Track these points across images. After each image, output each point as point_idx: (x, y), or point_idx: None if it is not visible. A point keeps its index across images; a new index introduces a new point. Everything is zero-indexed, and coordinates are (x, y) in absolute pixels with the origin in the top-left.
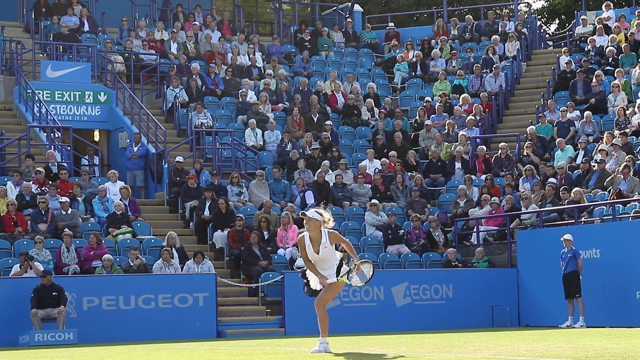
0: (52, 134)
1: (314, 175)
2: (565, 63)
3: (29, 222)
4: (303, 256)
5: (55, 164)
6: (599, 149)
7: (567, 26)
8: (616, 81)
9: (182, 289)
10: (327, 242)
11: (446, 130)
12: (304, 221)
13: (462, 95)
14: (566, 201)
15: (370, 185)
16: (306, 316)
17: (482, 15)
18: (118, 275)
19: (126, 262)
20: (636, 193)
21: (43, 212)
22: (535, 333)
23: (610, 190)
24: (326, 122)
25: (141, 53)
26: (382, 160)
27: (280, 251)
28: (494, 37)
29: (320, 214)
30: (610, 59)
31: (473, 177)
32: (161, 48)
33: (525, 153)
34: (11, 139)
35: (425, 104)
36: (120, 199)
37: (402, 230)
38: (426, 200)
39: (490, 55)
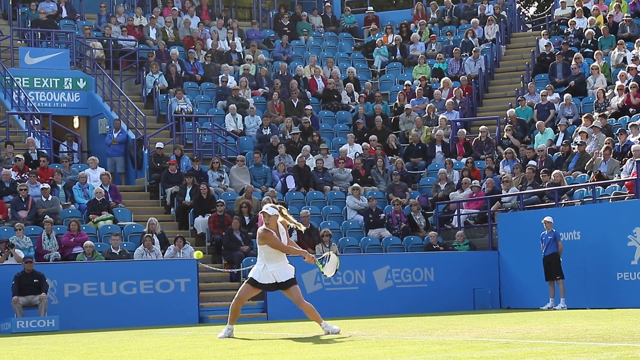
0: (31, 121)
1: (294, 160)
2: (545, 46)
3: (9, 209)
4: (279, 241)
5: (35, 150)
6: (578, 131)
7: (546, 9)
8: (595, 63)
9: (164, 275)
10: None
11: (426, 114)
12: (264, 217)
13: (442, 79)
14: (546, 183)
15: (351, 170)
16: (288, 301)
17: None
18: (99, 262)
19: (107, 249)
20: (616, 175)
21: (23, 199)
22: (517, 315)
23: (590, 172)
24: (306, 107)
25: (120, 39)
26: (362, 144)
27: None
28: (473, 20)
29: (274, 207)
30: (589, 41)
31: (453, 160)
32: (140, 34)
33: (505, 136)
34: None
35: (405, 88)
36: (101, 186)
37: (383, 214)
38: (407, 184)
39: (470, 38)
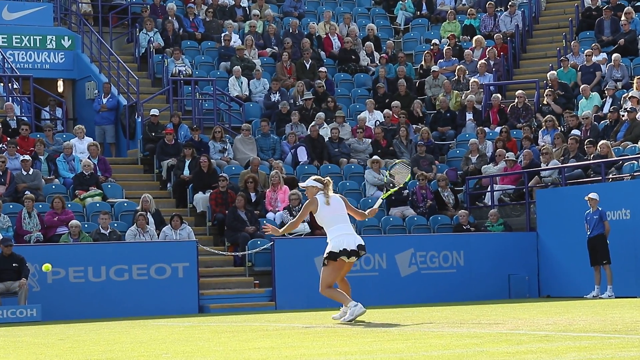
0: (9, 84)
1: (307, 129)
2: None
3: None
4: (302, 217)
5: (14, 118)
6: (629, 96)
7: None
8: None
9: (159, 259)
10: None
11: (456, 77)
12: (306, 192)
13: (474, 37)
14: (592, 155)
15: (370, 140)
16: (299, 288)
17: None
18: (86, 244)
19: (96, 229)
20: None
21: (1, 173)
22: (558, 305)
23: None
24: (320, 69)
25: None
26: (383, 111)
27: (270, 215)
28: None
29: (318, 180)
30: None
31: (486, 129)
32: None
33: (545, 102)
34: None
35: (432, 48)
36: (89, 158)
37: (407, 191)
38: (434, 156)
39: None
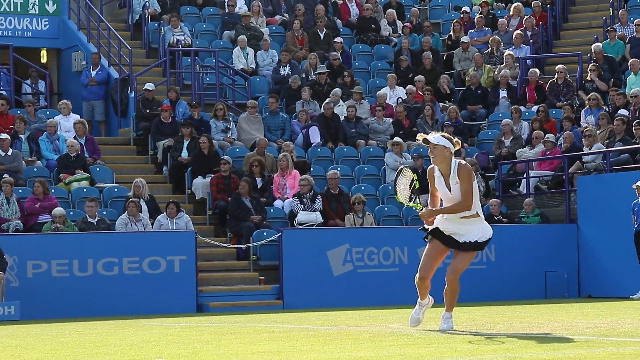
0: None
1: (320, 107)
2: None
3: None
4: (431, 190)
5: None
6: None
7: None
8: None
9: (153, 251)
10: (457, 177)
11: (488, 50)
12: (428, 150)
13: (510, 5)
14: None
15: (391, 120)
16: (309, 285)
17: None
18: (71, 234)
19: (82, 217)
20: None
21: None
22: (600, 306)
23: None
24: (335, 39)
25: None
26: (406, 87)
27: (278, 203)
28: None
29: (449, 139)
30: None
31: (522, 108)
32: None
33: (588, 78)
34: None
35: (461, 16)
36: (75, 137)
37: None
38: (462, 138)
39: None
